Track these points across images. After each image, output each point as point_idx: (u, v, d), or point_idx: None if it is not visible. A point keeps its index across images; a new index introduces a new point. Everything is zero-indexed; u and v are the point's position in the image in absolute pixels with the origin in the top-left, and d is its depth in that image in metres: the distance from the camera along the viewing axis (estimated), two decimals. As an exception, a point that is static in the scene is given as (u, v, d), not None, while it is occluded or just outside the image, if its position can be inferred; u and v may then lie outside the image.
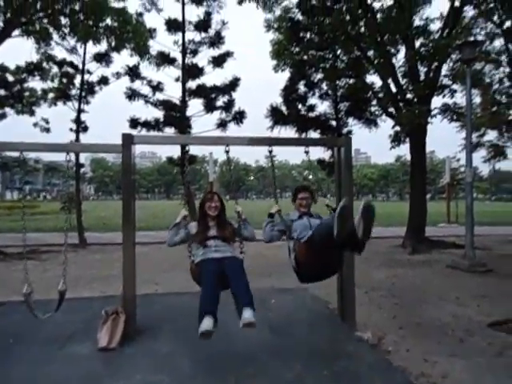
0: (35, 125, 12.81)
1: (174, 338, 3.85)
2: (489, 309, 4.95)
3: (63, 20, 9.98)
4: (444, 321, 4.49)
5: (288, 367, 3.17)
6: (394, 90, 10.82)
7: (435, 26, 10.99)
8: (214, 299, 3.08)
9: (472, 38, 9.73)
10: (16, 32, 9.81)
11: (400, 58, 11.58)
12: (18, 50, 12.65)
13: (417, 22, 11.04)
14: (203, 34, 12.63)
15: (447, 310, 4.94)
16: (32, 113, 12.47)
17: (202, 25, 12.50)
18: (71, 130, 11.94)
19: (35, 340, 3.78)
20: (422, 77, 10.68)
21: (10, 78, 11.79)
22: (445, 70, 10.82)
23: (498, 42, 11.69)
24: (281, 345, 3.65)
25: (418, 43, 10.82)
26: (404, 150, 11.41)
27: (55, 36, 10.70)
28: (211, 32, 12.60)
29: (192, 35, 12.62)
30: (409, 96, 10.84)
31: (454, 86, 10.78)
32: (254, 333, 3.94)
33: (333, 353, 3.48)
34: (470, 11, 10.85)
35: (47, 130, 12.97)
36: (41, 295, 4.86)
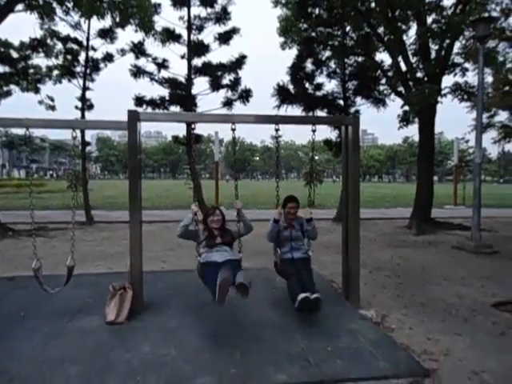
0: (40, 102, 12.75)
1: (180, 313, 3.92)
2: (493, 289, 4.96)
3: (67, -6, 9.78)
4: (448, 301, 4.52)
5: (293, 343, 3.22)
6: (403, 68, 10.57)
7: (448, 1, 10.62)
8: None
9: (486, 14, 9.36)
10: (19, 7, 9.63)
11: (411, 35, 11.28)
12: (22, 26, 12.47)
13: (430, -4, 10.67)
14: (209, 10, 12.33)
15: (452, 290, 4.96)
16: (37, 90, 12.37)
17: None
18: (76, 107, 11.90)
19: (45, 313, 3.87)
20: (433, 55, 10.41)
21: (15, 55, 11.66)
22: (457, 47, 10.52)
23: (514, 19, 11.30)
24: (286, 321, 3.70)
25: (430, 19, 10.49)
26: (412, 130, 11.30)
27: (59, 11, 10.49)
28: (217, 7, 12.30)
29: (198, 11, 12.41)
30: (419, 75, 10.59)
31: (466, 65, 10.51)
32: (259, 309, 4.02)
33: (337, 330, 3.53)
34: (485, -14, 10.45)
35: (52, 108, 12.91)
36: (49, 271, 4.96)
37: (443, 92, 10.19)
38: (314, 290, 3.57)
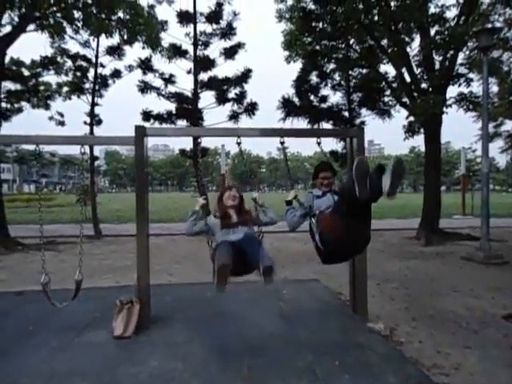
0: (50, 118, 13.03)
1: (187, 327, 3.91)
2: (504, 301, 4.88)
3: (76, 14, 10.07)
4: (458, 313, 4.46)
5: (300, 357, 3.19)
6: (408, 79, 10.63)
7: (451, 13, 10.71)
8: (228, 256, 3.00)
9: (489, 25, 9.42)
10: (31, 27, 9.94)
11: (414, 47, 11.37)
12: (33, 45, 12.80)
13: (432, 9, 10.77)
14: (215, 26, 12.60)
15: (461, 301, 4.89)
16: (47, 106, 12.66)
17: (214, 16, 12.45)
18: (85, 123, 12.13)
19: (53, 328, 3.90)
20: (437, 66, 10.46)
21: (26, 73, 11.98)
22: (461, 58, 10.57)
23: (517, 29, 11.34)
24: (293, 335, 3.68)
25: (433, 31, 10.57)
26: (418, 140, 11.32)
27: (69, 30, 10.85)
28: (223, 23, 12.57)
29: (203, 27, 12.61)
30: (423, 86, 10.64)
31: (471, 75, 10.53)
32: (266, 322, 4.00)
33: (344, 343, 3.49)
34: (487, -3, 10.55)
35: (62, 124, 13.19)
36: (58, 285, 4.99)
37: (448, 102, 10.19)
38: None
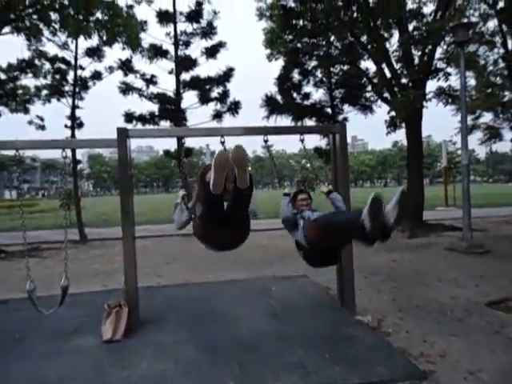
0: (30, 123, 12.73)
1: (177, 328, 3.91)
2: (486, 289, 5.02)
3: (53, 15, 9.87)
4: (443, 302, 4.57)
5: (290, 352, 3.23)
6: (388, 75, 10.78)
7: (428, 8, 10.95)
8: None
9: (465, 20, 9.64)
10: (6, 29, 9.70)
11: (394, 43, 11.54)
12: (9, 48, 12.52)
13: (409, 5, 10.96)
14: (195, 25, 12.53)
15: (446, 291, 5.01)
16: (26, 111, 12.38)
17: (194, 15, 12.38)
18: (66, 126, 11.90)
19: (41, 335, 3.84)
20: (416, 61, 10.64)
21: (3, 76, 11.69)
22: (439, 53, 10.78)
23: (492, 23, 11.65)
24: (283, 331, 3.72)
25: (411, 27, 10.77)
26: (401, 135, 11.50)
27: (46, 32, 10.59)
28: (203, 22, 12.51)
29: (184, 26, 12.53)
30: (403, 81, 10.81)
31: (449, 69, 10.76)
32: (256, 319, 4.03)
33: (334, 337, 3.55)
34: (463, -8, 10.77)
35: (42, 128, 12.89)
36: (44, 291, 4.92)
37: (428, 97, 10.40)
38: None
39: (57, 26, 10.18)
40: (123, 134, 3.94)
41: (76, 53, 11.65)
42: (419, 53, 10.62)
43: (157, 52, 12.36)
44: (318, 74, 12.54)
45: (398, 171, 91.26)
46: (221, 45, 12.70)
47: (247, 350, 3.31)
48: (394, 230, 2.66)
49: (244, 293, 4.97)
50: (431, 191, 21.68)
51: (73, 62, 11.76)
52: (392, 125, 10.79)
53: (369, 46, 11.32)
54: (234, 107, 12.62)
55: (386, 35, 11.32)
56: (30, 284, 3.74)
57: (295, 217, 3.61)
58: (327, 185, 4.04)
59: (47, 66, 12.08)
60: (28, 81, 12.37)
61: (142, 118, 12.25)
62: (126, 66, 12.28)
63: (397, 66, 10.90)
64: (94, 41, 11.25)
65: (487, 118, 13.41)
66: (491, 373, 2.87)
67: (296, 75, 12.54)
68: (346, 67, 12.51)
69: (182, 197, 3.67)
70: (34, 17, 9.76)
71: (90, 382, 2.86)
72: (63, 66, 12.03)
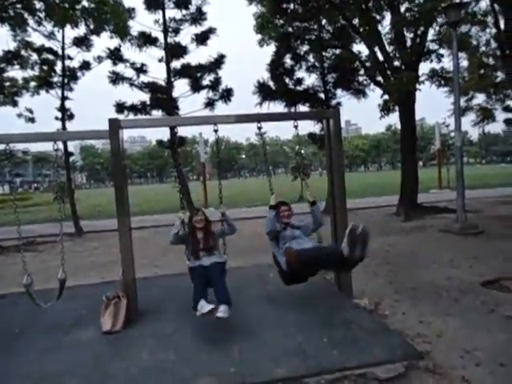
0: (19, 116, 12.51)
1: (175, 317, 3.93)
2: (481, 269, 5.09)
3: (38, 4, 9.62)
4: (438, 283, 4.63)
5: (289, 337, 3.26)
6: (380, 58, 10.70)
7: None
8: (203, 294, 3.50)
9: (457, 0, 9.54)
10: (-11, 20, 9.47)
11: (386, 25, 11.43)
12: (-6, 39, 12.18)
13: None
14: (184, 11, 12.31)
15: (441, 272, 5.07)
16: (15, 103, 12.16)
17: (182, 1, 12.14)
18: (57, 118, 11.72)
19: (40, 328, 3.84)
20: (409, 43, 10.56)
21: (-12, 69, 11.44)
22: (431, 34, 10.71)
23: (484, 3, 11.54)
24: (281, 316, 3.75)
25: (403, 8, 10.63)
26: (394, 118, 11.48)
27: (31, 21, 10.35)
28: (192, 8, 12.28)
29: (173, 13, 12.31)
30: (396, 63, 10.74)
31: (441, 51, 10.70)
32: (254, 306, 4.06)
33: (332, 321, 3.58)
34: (454, -28, 10.61)
35: (32, 120, 12.68)
36: (41, 285, 4.91)
37: (421, 79, 10.35)
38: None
39: (42, 15, 9.95)
40: (115, 124, 3.89)
41: (63, 42, 11.42)
42: (411, 35, 10.54)
43: (146, 40, 12.15)
44: (311, 58, 12.45)
45: (391, 155, 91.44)
46: (211, 31, 12.51)
47: (247, 337, 3.34)
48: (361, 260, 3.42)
49: (241, 280, 4.99)
50: (425, 174, 21.77)
51: (60, 52, 11.54)
52: (385, 108, 10.74)
53: (361, 29, 11.21)
54: (227, 95, 12.50)
55: (377, 17, 11.18)
56: (27, 278, 3.73)
57: (278, 234, 3.96)
58: (314, 196, 4.20)
59: (34, 56, 11.84)
60: (15, 72, 12.13)
61: (133, 108, 12.11)
62: (115, 55, 12.06)
63: (389, 49, 10.82)
64: (81, 30, 11.06)
65: (480, 99, 13.42)
66: (487, 350, 2.92)
67: (288, 60, 12.44)
68: (338, 51, 12.41)
69: (181, 221, 4.02)
70: (18, 6, 9.52)
71: (91, 375, 2.87)
72: (51, 57, 11.79)
